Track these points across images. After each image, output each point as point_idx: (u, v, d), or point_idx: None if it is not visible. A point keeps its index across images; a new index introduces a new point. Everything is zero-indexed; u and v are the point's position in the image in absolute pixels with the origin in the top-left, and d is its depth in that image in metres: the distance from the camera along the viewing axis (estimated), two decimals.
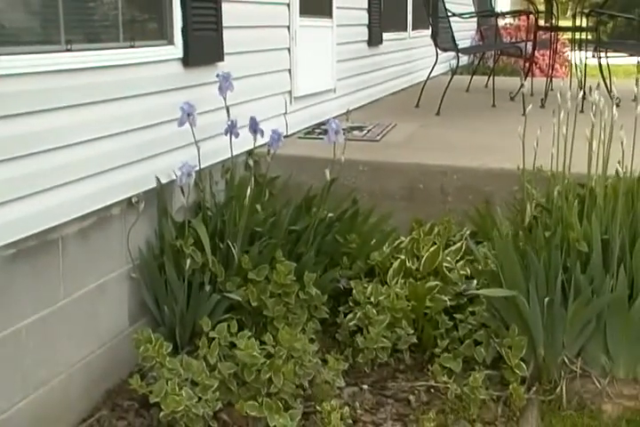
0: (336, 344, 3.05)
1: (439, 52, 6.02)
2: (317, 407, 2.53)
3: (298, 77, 4.74)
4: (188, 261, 2.89)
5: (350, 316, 3.04)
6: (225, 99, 3.19)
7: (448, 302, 3.06)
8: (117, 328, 2.89)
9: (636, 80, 5.70)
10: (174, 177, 3.02)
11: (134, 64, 2.94)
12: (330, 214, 3.37)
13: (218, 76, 3.19)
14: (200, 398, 2.39)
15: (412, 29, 7.78)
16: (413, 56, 7.71)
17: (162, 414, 2.37)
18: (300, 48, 4.77)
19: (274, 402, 2.40)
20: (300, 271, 3.02)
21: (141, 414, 2.65)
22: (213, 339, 2.63)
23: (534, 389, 2.84)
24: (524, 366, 2.78)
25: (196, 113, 3.00)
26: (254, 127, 3.36)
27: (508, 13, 10.51)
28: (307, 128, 4.87)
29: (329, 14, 5.38)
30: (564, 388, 2.83)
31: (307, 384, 2.61)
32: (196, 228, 2.97)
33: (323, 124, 5.06)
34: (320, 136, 4.50)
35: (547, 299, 2.84)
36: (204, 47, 3.51)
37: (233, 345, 2.60)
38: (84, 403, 2.71)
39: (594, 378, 2.86)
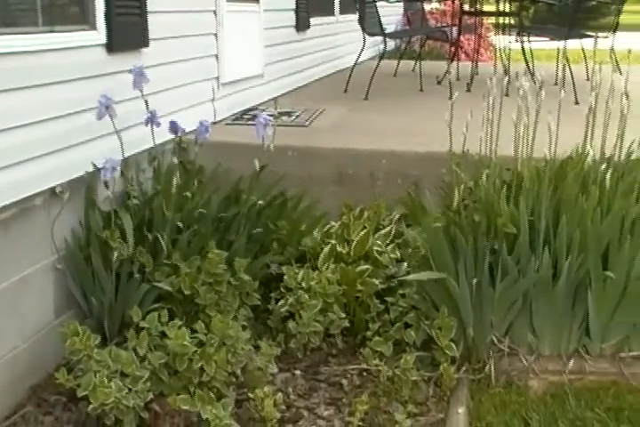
0: (268, 330, 3.05)
1: (366, 36, 6.04)
2: (250, 395, 2.53)
3: (225, 63, 4.69)
4: (116, 252, 2.84)
5: (282, 302, 3.04)
6: (142, 91, 3.14)
7: (379, 286, 3.09)
8: (43, 322, 2.82)
9: (559, 64, 5.82)
10: (100, 166, 2.96)
11: (55, 50, 2.86)
12: (260, 201, 3.35)
13: (132, 71, 3.13)
14: (130, 390, 2.35)
15: (340, 14, 7.78)
16: (341, 41, 7.71)
17: (90, 407, 2.33)
18: (227, 33, 4.71)
19: (206, 393, 2.38)
20: (230, 259, 3.00)
21: (69, 408, 2.60)
22: (143, 329, 2.59)
23: (464, 368, 2.90)
24: (453, 346, 2.83)
25: (114, 105, 2.94)
26: (174, 128, 3.38)
27: None
28: (235, 114, 4.83)
29: None
30: (492, 366, 2.89)
31: (239, 372, 2.59)
32: (122, 218, 2.92)
33: (251, 109, 5.03)
34: (249, 122, 4.47)
35: (475, 280, 2.89)
36: (128, 33, 3.44)
37: (164, 335, 2.56)
38: (7, 400, 2.63)
39: (521, 356, 2.93)
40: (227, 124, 4.62)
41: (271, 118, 3.38)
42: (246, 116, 4.79)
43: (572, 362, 2.92)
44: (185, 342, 2.46)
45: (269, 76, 5.49)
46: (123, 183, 3.21)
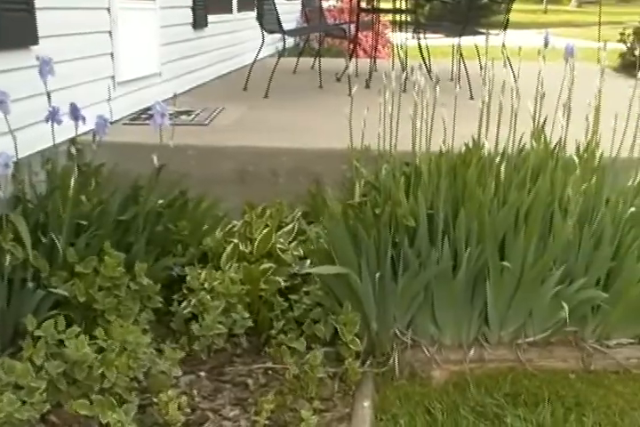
0: (171, 333, 2.99)
1: (265, 34, 6.03)
2: (154, 399, 2.48)
3: (121, 62, 4.59)
4: (8, 258, 2.73)
5: (185, 303, 2.99)
6: (46, 84, 3.03)
7: (282, 284, 3.08)
8: None
9: (454, 60, 5.94)
10: None
11: None
12: (160, 201, 3.29)
13: (38, 59, 3.01)
14: (25, 402, 2.26)
15: (238, 11, 7.74)
16: (240, 38, 7.68)
17: None
18: (122, 31, 4.62)
19: (106, 398, 2.32)
20: (130, 262, 2.93)
21: None
22: (39, 338, 2.50)
23: (369, 362, 2.92)
24: (358, 341, 2.85)
25: (9, 100, 2.82)
26: (75, 113, 3.20)
27: None
28: (132, 114, 4.74)
29: None
30: (396, 359, 2.92)
31: (142, 376, 2.54)
32: (15, 222, 2.81)
33: (149, 109, 4.93)
34: (147, 122, 4.38)
35: (378, 274, 2.92)
36: (15, 30, 3.32)
37: (61, 343, 2.49)
38: None
39: (423, 347, 2.98)
40: (124, 123, 4.53)
41: (170, 109, 3.31)
42: (144, 116, 4.70)
43: (472, 351, 2.99)
44: (84, 350, 2.39)
45: (167, 75, 5.41)
46: (14, 187, 3.09)
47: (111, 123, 4.26)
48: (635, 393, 2.84)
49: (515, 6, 6.60)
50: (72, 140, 3.47)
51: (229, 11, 7.54)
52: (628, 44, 7.65)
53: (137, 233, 3.14)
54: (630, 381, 2.92)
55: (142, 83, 4.97)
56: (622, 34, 7.91)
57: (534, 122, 3.13)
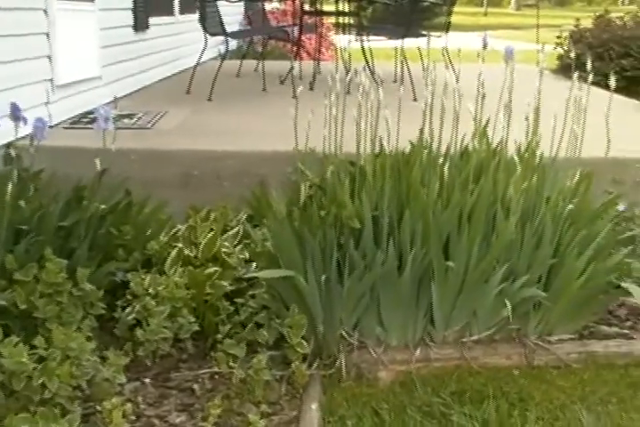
0: (115, 340, 2.94)
1: (208, 36, 5.99)
2: (98, 407, 2.43)
3: (59, 64, 4.51)
4: None
5: (129, 309, 2.95)
6: None
7: (228, 288, 3.05)
8: None
9: (397, 62, 5.99)
10: None
11: None
12: (102, 206, 3.24)
13: None
14: None
15: (180, 14, 7.68)
16: (183, 41, 7.62)
17: None
18: (61, 33, 4.54)
19: (49, 410, 2.26)
20: (72, 268, 2.87)
21: None
22: None
23: (316, 364, 2.91)
24: (305, 344, 2.84)
25: None
26: (16, 114, 3.11)
27: None
28: (73, 118, 4.67)
29: None
30: (343, 361, 2.92)
31: (85, 385, 2.49)
32: None
33: (90, 113, 4.86)
34: (88, 126, 4.32)
35: (324, 277, 2.91)
36: None
37: None
38: None
39: (370, 348, 2.98)
40: (64, 127, 4.46)
41: (111, 112, 3.26)
42: (85, 120, 4.63)
43: (418, 351, 3.00)
44: (22, 359, 2.32)
45: (108, 78, 5.34)
46: None
47: (50, 127, 4.19)
48: (575, 387, 2.89)
49: (456, 9, 6.69)
50: (8, 145, 3.40)
51: (171, 13, 7.48)
52: (565, 47, 7.81)
53: (79, 238, 3.08)
54: (571, 375, 2.97)
55: (82, 86, 4.90)
56: (559, 37, 8.09)
57: (476, 123, 3.16)
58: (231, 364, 2.75)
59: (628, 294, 3.07)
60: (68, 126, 4.47)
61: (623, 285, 3.09)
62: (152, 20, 6.50)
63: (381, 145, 3.08)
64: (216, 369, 2.81)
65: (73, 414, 2.35)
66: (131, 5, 6.05)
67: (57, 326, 2.63)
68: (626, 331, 3.24)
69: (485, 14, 37.13)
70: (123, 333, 2.94)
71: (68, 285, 2.80)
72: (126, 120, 4.65)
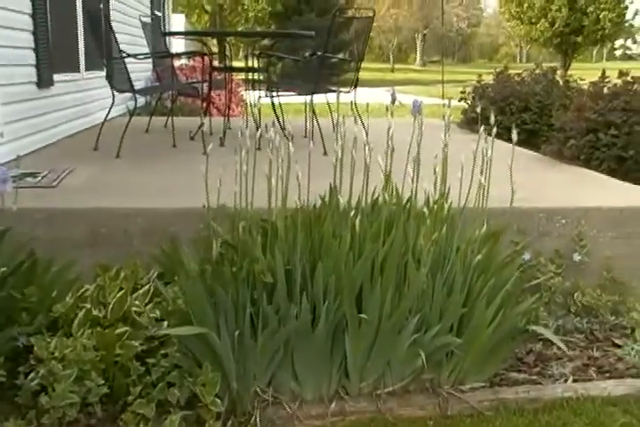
0: (17, 409, 2.80)
1: (116, 93, 5.94)
2: None
3: None
4: None
5: (32, 375, 2.82)
6: None
7: (139, 347, 2.96)
8: None
9: (307, 117, 6.08)
10: None
11: None
12: (3, 269, 3.12)
13: None
14: None
15: (86, 70, 7.61)
16: (90, 97, 7.54)
17: None
18: None
19: None
20: None
21: None
22: None
23: (230, 422, 2.85)
24: (218, 402, 2.77)
25: None
26: None
27: (183, 54, 10.70)
28: None
29: None
30: (257, 418, 2.87)
31: None
32: None
33: None
34: None
35: (237, 333, 2.87)
36: None
37: None
38: None
39: (285, 404, 2.94)
40: None
41: (9, 171, 3.16)
42: None
43: (333, 404, 2.98)
44: None
45: (10, 136, 5.21)
46: None
47: None
48: None
49: (364, 65, 6.85)
50: None
51: (77, 70, 7.40)
52: (469, 102, 8.09)
53: None
54: (483, 423, 2.99)
55: None
56: (463, 92, 8.38)
57: (385, 175, 3.21)
58: (141, 426, 2.65)
59: (536, 338, 3.14)
60: None
61: (533, 327, 3.17)
62: (57, 77, 6.41)
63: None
64: None
65: None
66: (34, 61, 5.96)
67: None
68: (534, 377, 3.30)
69: (392, 70, 38.31)
70: (25, 400, 2.79)
71: None
72: (29, 179, 4.51)
